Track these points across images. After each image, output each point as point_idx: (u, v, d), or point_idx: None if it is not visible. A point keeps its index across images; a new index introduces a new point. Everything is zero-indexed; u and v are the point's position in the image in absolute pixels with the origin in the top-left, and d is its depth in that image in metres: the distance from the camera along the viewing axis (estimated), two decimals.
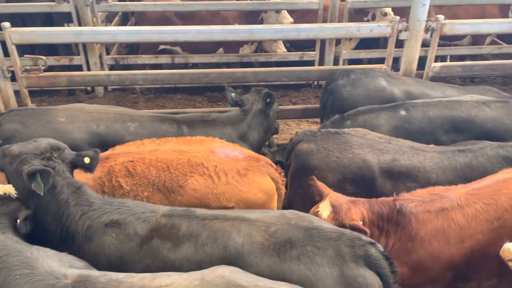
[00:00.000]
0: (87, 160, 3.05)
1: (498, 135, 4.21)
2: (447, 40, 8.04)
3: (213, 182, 3.37)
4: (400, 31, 5.33)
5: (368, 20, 7.72)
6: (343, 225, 2.95)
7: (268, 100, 4.63)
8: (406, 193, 3.28)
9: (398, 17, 5.34)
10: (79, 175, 3.17)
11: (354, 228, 2.90)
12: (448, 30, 5.34)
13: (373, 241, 2.74)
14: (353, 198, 3.23)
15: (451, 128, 4.36)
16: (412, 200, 3.14)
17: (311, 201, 3.47)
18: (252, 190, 3.42)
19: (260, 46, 7.87)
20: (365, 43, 8.00)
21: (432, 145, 3.95)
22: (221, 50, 7.57)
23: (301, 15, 7.81)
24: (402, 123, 4.34)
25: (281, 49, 7.62)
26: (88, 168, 3.08)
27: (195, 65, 8.48)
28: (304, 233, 2.71)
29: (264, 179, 3.49)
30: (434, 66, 5.56)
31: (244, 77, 5.43)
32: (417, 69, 5.47)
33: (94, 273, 2.34)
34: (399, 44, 5.43)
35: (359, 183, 3.68)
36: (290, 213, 2.94)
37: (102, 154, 3.43)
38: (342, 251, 2.63)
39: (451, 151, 3.83)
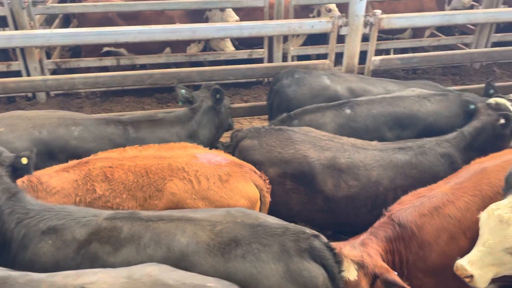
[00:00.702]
0: (24, 160, 2.92)
1: (439, 127, 4.36)
2: (390, 34, 8.32)
3: (193, 187, 3.30)
4: (341, 26, 5.47)
5: (313, 17, 7.85)
6: (376, 277, 2.81)
7: (217, 96, 4.60)
8: (394, 205, 3.25)
9: (338, 13, 5.48)
10: (59, 177, 3.18)
11: (390, 282, 2.77)
12: (385, 24, 5.53)
13: (316, 233, 2.78)
14: (357, 239, 3.06)
15: (395, 124, 4.48)
16: (404, 209, 3.13)
17: None
18: (234, 196, 3.36)
19: (209, 45, 7.83)
20: (313, 39, 8.14)
21: (375, 142, 4.04)
22: (168, 49, 7.45)
23: (247, 13, 7.82)
24: (347, 121, 4.43)
25: (229, 47, 7.61)
26: (26, 170, 2.95)
27: (143, 67, 8.30)
28: (250, 230, 2.73)
29: (247, 186, 3.45)
30: (374, 60, 5.75)
31: (189, 76, 5.38)
32: (361, 63, 5.64)
33: (14, 274, 2.24)
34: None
35: (299, 178, 3.75)
36: (236, 210, 2.95)
37: (82, 159, 3.42)
38: (287, 246, 2.67)
39: (392, 148, 3.93)
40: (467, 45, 8.24)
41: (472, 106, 4.30)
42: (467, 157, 4.01)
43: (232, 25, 5.28)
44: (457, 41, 8.36)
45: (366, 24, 5.47)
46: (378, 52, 8.34)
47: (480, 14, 5.70)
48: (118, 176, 3.32)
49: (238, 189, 3.38)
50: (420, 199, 3.17)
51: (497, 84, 7.01)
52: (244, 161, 3.71)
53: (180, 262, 2.64)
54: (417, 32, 8.21)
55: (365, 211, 3.80)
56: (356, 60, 5.63)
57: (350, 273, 2.79)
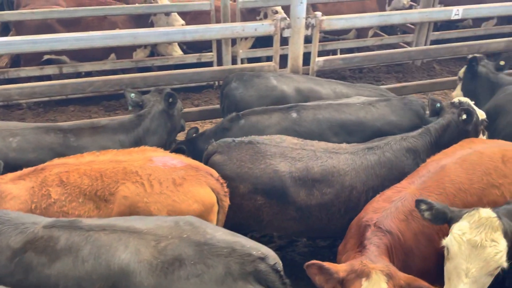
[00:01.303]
0: None
1: (387, 132, 4.39)
2: (335, 35, 8.54)
3: (145, 191, 3.22)
4: (283, 28, 5.54)
5: (261, 19, 7.93)
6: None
7: (170, 100, 4.52)
8: (367, 213, 3.11)
9: (280, 15, 5.56)
10: (15, 185, 3.14)
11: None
12: (326, 25, 5.66)
13: (263, 256, 2.70)
14: (362, 252, 2.85)
15: (341, 130, 4.48)
16: (384, 216, 3.01)
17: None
18: (187, 200, 3.27)
19: (156, 50, 7.72)
20: (263, 41, 8.21)
21: (344, 145, 4.02)
22: (113, 56, 7.28)
23: (194, 17, 7.79)
24: (292, 125, 4.43)
25: (177, 52, 7.54)
26: None
27: (89, 74, 8.06)
28: (195, 249, 2.64)
29: (202, 190, 3.36)
30: (318, 61, 5.88)
31: (133, 83, 5.28)
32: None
33: None
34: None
35: (270, 193, 3.67)
36: (185, 222, 2.84)
37: (39, 166, 3.36)
38: (231, 268, 2.61)
39: (362, 149, 3.92)
40: (408, 44, 8.59)
41: (438, 105, 4.39)
42: (432, 153, 4.01)
43: (174, 30, 5.23)
44: (398, 40, 8.70)
45: (307, 26, 5.58)
46: (326, 53, 8.58)
47: (415, 14, 5.96)
48: (74, 180, 3.24)
49: (191, 193, 3.31)
50: (393, 204, 3.08)
51: (437, 80, 7.42)
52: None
53: (121, 281, 2.55)
54: (361, 32, 8.49)
55: (338, 216, 3.76)
56: (300, 61, 5.73)
57: (381, 286, 2.53)
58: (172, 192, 3.27)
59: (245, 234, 4.00)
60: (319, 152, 3.81)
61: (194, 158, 4.11)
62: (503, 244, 2.59)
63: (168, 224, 2.81)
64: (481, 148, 3.48)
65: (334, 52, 8.74)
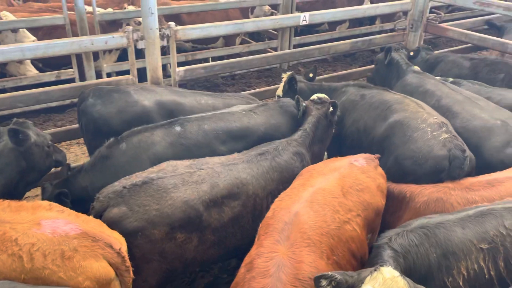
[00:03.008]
0: None
1: (270, 135, 4.56)
2: (204, 44, 8.64)
3: (23, 265, 2.71)
4: (137, 40, 5.40)
5: None
6: None
7: (20, 137, 3.93)
8: (273, 229, 3.00)
9: (131, 27, 5.41)
10: None
11: None
12: (181, 35, 5.65)
13: None
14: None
15: (227, 138, 4.48)
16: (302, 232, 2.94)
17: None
18: (76, 277, 2.80)
19: (6, 70, 7.01)
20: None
21: (236, 155, 4.05)
22: None
23: (47, 32, 7.25)
24: (178, 139, 4.31)
25: (31, 70, 6.95)
26: None
27: None
28: None
29: (97, 264, 2.88)
30: (179, 71, 5.84)
31: None
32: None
33: None
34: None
35: (188, 226, 3.46)
36: None
37: None
38: None
39: (254, 156, 3.99)
40: (274, 49, 9.04)
41: (303, 105, 4.72)
42: (312, 151, 4.52)
43: (9, 48, 4.75)
44: (265, 46, 9.12)
45: (162, 36, 5.52)
46: (198, 62, 8.66)
47: (267, 21, 6.26)
48: None
49: (83, 268, 2.84)
50: (274, 278, 2.72)
51: None
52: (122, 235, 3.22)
53: None
54: (229, 40, 8.71)
55: (248, 227, 3.76)
56: (159, 72, 5.63)
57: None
58: (58, 268, 2.79)
59: (172, 281, 3.84)
60: (218, 168, 3.75)
61: (76, 202, 3.76)
62: None
63: None
64: (322, 184, 3.38)
65: (205, 61, 8.84)
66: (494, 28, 8.11)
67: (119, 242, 3.06)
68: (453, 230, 2.92)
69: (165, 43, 5.60)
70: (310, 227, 2.97)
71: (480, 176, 3.81)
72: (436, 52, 7.08)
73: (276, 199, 3.38)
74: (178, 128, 4.40)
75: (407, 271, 2.78)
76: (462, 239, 2.88)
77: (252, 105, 4.95)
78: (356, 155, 3.85)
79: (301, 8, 9.23)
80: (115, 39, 5.32)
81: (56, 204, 3.16)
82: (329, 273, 2.54)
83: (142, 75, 6.03)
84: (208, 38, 7.97)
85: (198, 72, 6.01)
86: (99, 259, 2.90)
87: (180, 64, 7.39)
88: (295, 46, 9.02)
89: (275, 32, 9.17)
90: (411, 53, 5.79)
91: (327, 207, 3.15)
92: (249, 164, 3.89)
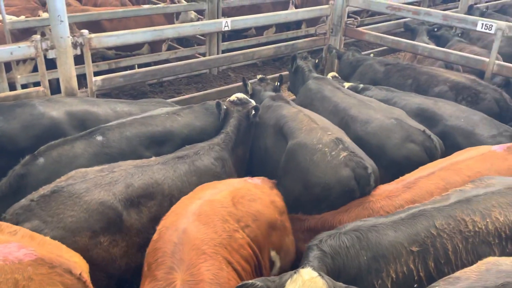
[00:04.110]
0: None
1: (194, 137, 4.51)
2: (128, 51, 8.38)
3: None
4: (47, 50, 5.12)
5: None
6: None
7: None
8: (164, 255, 2.82)
9: (39, 36, 5.11)
10: None
11: None
12: (96, 43, 5.44)
13: None
14: None
15: (151, 143, 4.41)
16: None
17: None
18: None
19: None
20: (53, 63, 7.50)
21: (153, 158, 4.00)
22: None
23: None
24: (101, 149, 4.16)
25: None
26: None
27: None
28: None
29: None
30: (96, 80, 5.62)
31: None
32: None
33: None
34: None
35: (110, 228, 3.37)
36: None
37: None
38: None
39: (172, 159, 3.96)
40: (202, 55, 8.97)
41: (224, 107, 4.73)
42: (236, 154, 4.54)
43: None
44: (193, 52, 9.03)
45: (75, 45, 5.28)
46: (123, 69, 8.36)
47: (188, 27, 6.21)
48: None
49: None
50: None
51: (232, 86, 7.89)
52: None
53: None
54: (154, 46, 8.52)
55: None
56: (73, 83, 5.37)
57: None
58: None
59: None
60: (131, 169, 3.70)
61: None
62: None
63: None
64: (210, 196, 3.29)
65: (131, 67, 8.57)
66: (408, 30, 8.62)
67: (80, 266, 2.84)
68: (385, 234, 2.97)
69: (78, 52, 5.37)
70: (203, 241, 2.86)
71: (393, 182, 3.91)
72: (364, 52, 7.42)
73: (163, 218, 3.20)
74: (99, 138, 4.25)
75: (335, 272, 2.85)
76: (393, 242, 2.94)
77: (176, 108, 4.90)
78: (253, 178, 3.87)
79: (227, 14, 9.25)
80: (22, 49, 5.02)
81: (8, 224, 2.88)
82: (250, 281, 2.52)
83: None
84: (132, 45, 7.75)
85: (117, 81, 5.82)
86: (57, 287, 2.65)
87: (105, 72, 7.15)
88: (223, 51, 9.00)
89: (203, 38, 9.11)
90: (316, 61, 6.00)
91: (216, 217, 3.05)
92: (164, 165, 3.89)
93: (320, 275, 2.48)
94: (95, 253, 3.30)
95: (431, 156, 4.31)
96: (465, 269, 2.59)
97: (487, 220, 3.06)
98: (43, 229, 3.16)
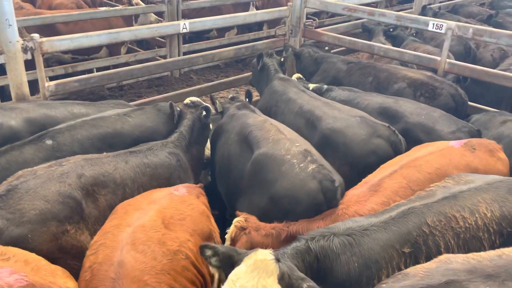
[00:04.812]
0: None
1: (146, 138, 4.49)
2: (85, 54, 8.17)
3: None
4: None
5: None
6: None
7: None
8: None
9: None
10: None
11: None
12: (48, 47, 5.27)
13: None
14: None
15: (103, 145, 4.36)
16: None
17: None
18: None
19: None
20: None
21: (104, 153, 4.02)
22: None
23: None
24: (52, 153, 4.05)
25: None
26: None
27: None
28: None
29: None
30: (49, 86, 5.44)
31: None
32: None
33: None
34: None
35: (73, 216, 3.44)
36: None
37: None
38: None
39: (123, 153, 4.03)
40: (163, 57, 8.87)
41: (178, 109, 4.83)
42: (191, 153, 4.59)
43: None
44: (153, 54, 8.91)
45: (25, 49, 5.09)
46: (81, 73, 8.13)
47: (145, 30, 6.11)
48: None
49: None
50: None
51: (193, 88, 7.82)
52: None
53: None
54: (113, 49, 8.35)
55: None
56: (25, 88, 5.19)
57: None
58: None
59: None
60: (80, 162, 3.75)
61: None
62: None
63: None
64: (140, 221, 3.10)
65: (90, 71, 8.35)
66: (366, 31, 8.84)
67: None
68: (376, 238, 2.91)
69: (29, 56, 5.19)
70: (143, 271, 2.66)
71: (357, 186, 3.85)
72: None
73: (88, 253, 2.94)
74: (49, 142, 4.16)
75: (321, 272, 2.81)
76: (385, 246, 2.88)
77: (127, 109, 4.86)
78: (177, 185, 3.79)
79: (187, 15, 9.18)
80: None
81: (2, 249, 2.80)
82: (215, 245, 2.58)
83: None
84: (89, 49, 7.56)
85: (71, 86, 5.65)
86: None
87: (61, 77, 6.93)
88: (184, 53, 8.94)
89: (163, 40, 9.00)
90: (282, 59, 6.05)
91: (152, 243, 2.87)
92: (115, 158, 3.94)
93: (277, 260, 2.45)
94: (64, 241, 3.34)
95: (396, 150, 4.39)
96: (417, 266, 2.62)
97: (476, 215, 3.08)
98: (8, 227, 3.15)
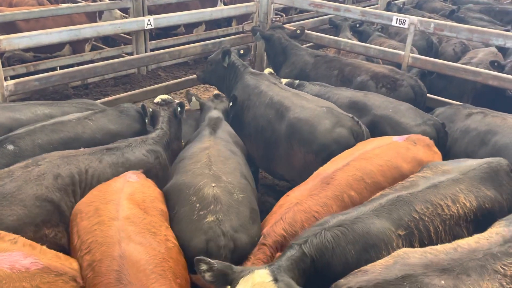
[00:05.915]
0: None
1: (109, 141, 4.38)
2: (48, 52, 7.92)
3: None
4: None
5: None
6: None
7: None
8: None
9: None
10: None
11: None
12: (6, 45, 5.09)
13: None
14: None
15: (65, 150, 4.15)
16: None
17: None
18: None
19: None
20: None
21: (82, 149, 4.06)
22: None
23: None
24: (14, 159, 3.94)
25: None
26: None
27: None
28: None
29: None
30: (7, 85, 5.25)
31: None
32: None
33: None
34: None
35: (51, 219, 3.49)
36: None
37: None
38: None
39: (100, 150, 4.04)
40: (130, 54, 8.68)
41: (150, 109, 4.88)
42: (172, 149, 4.65)
43: None
44: (119, 51, 8.71)
45: None
46: (43, 72, 7.85)
47: (107, 26, 5.96)
48: None
49: None
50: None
51: (161, 85, 7.69)
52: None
53: None
54: (76, 47, 8.12)
55: None
56: None
57: None
58: None
59: None
60: (56, 160, 3.75)
61: None
62: None
63: None
64: (121, 213, 3.06)
65: (53, 69, 8.08)
66: (333, 26, 8.92)
67: (78, 272, 2.82)
68: (371, 223, 3.00)
69: None
70: (147, 262, 2.70)
71: (309, 179, 3.86)
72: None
73: (80, 253, 2.90)
74: (10, 147, 4.05)
75: (318, 272, 2.86)
76: (382, 229, 2.98)
77: (87, 113, 4.77)
78: (125, 173, 3.76)
79: (154, 12, 9.01)
80: None
81: (5, 233, 2.86)
82: (210, 260, 2.54)
83: None
84: (51, 46, 7.32)
85: (32, 85, 5.48)
86: None
87: (23, 76, 6.67)
88: (152, 50, 8.77)
89: (129, 37, 8.82)
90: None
91: (145, 233, 2.92)
92: (91, 156, 3.94)
93: (275, 280, 2.43)
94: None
95: (358, 141, 4.50)
96: (376, 262, 2.69)
97: (457, 205, 3.30)
98: None
